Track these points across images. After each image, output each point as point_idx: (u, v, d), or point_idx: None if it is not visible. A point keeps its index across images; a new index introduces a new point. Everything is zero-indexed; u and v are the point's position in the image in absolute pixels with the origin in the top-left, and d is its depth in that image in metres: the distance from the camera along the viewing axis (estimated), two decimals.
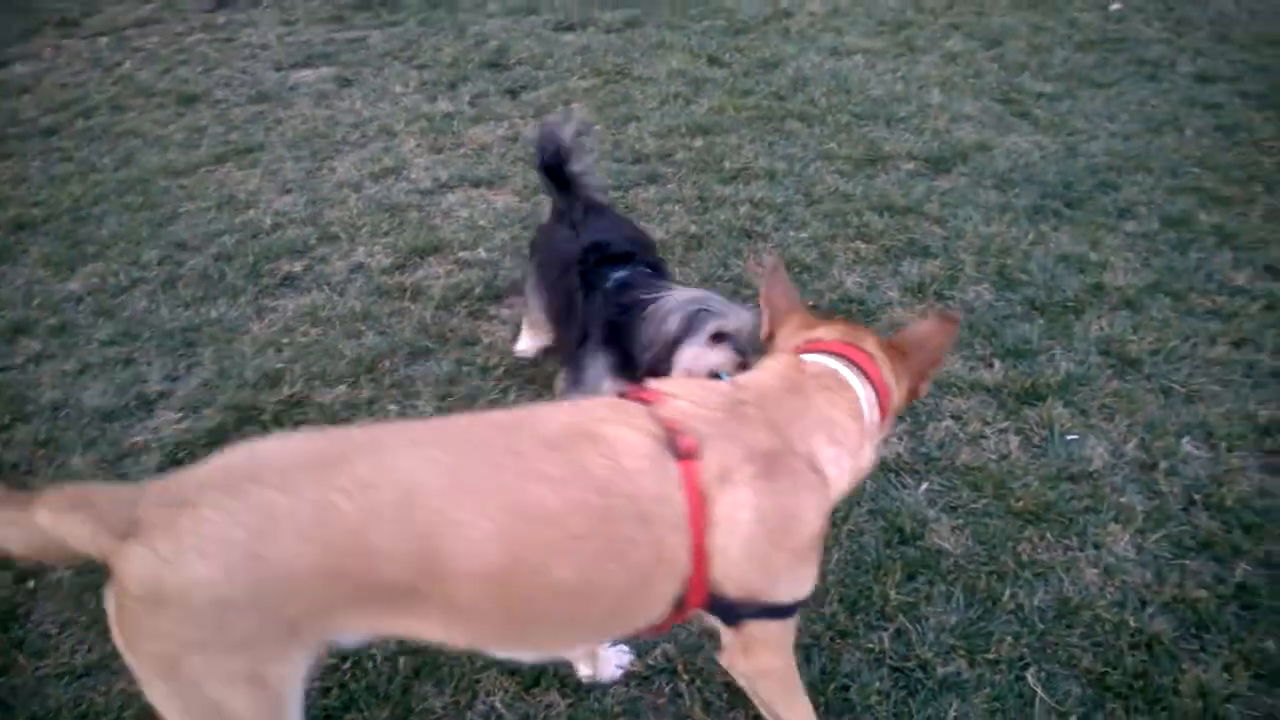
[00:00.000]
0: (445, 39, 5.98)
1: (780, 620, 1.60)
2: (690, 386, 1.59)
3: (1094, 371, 3.07)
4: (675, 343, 2.35)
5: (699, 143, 4.60)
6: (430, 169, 4.44)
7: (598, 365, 2.54)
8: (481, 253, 3.77)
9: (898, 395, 1.71)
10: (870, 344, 1.72)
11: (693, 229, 3.89)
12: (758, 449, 1.48)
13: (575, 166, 2.85)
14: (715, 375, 2.26)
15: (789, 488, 1.50)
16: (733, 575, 1.47)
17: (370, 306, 3.47)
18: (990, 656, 2.17)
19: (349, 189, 4.29)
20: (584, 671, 2.13)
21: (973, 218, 3.97)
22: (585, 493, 1.38)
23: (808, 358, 1.67)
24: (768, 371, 1.66)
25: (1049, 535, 2.48)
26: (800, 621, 1.84)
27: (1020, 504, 2.56)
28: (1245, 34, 6.01)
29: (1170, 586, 2.34)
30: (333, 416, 2.95)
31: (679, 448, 1.44)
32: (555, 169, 2.85)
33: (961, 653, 2.18)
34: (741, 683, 1.75)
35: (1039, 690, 2.10)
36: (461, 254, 3.77)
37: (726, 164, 4.39)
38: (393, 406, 2.98)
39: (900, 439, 2.79)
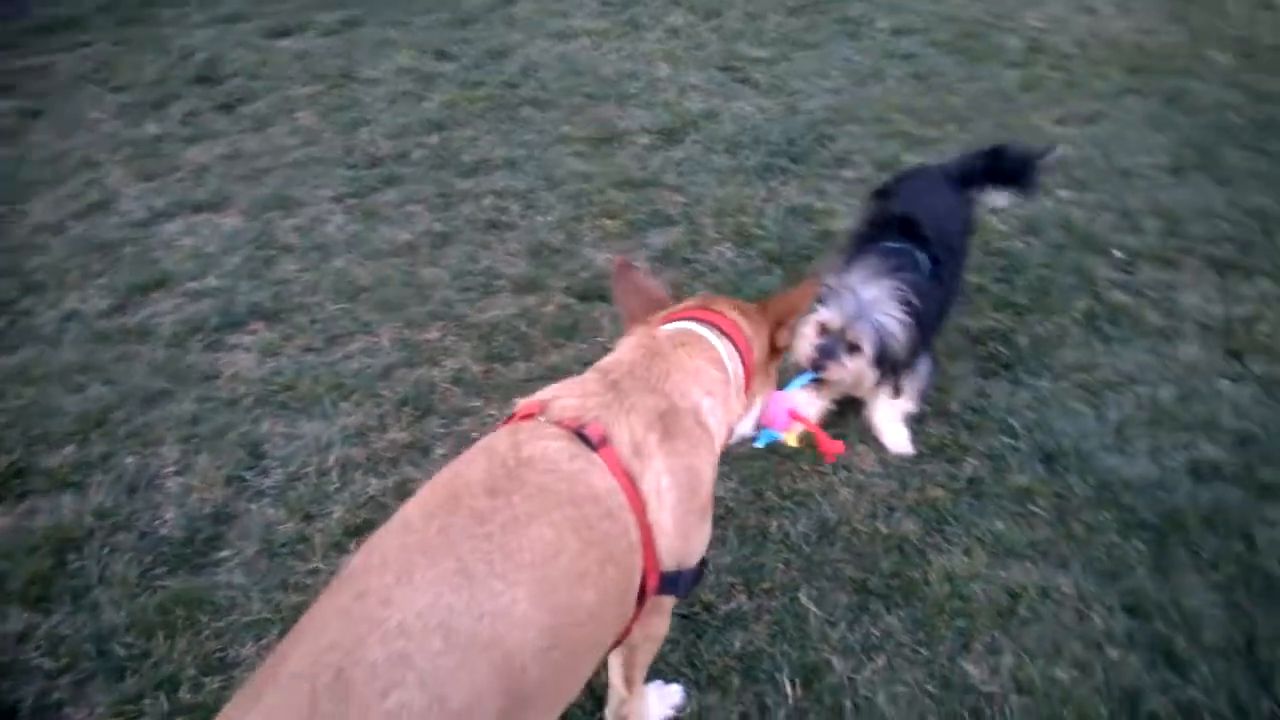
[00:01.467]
0: (146, 56, 5.50)
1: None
2: (561, 386, 1.56)
3: None
4: None
5: (435, 139, 4.51)
6: (143, 198, 4.08)
7: None
8: (212, 281, 3.51)
9: (758, 346, 1.78)
10: (723, 304, 1.79)
11: (438, 227, 3.82)
12: (654, 413, 1.50)
13: None
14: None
15: (688, 446, 1.52)
16: (669, 547, 1.48)
17: (90, 355, 3.16)
18: (766, 586, 2.31)
19: (48, 232, 3.86)
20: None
21: (708, 183, 4.15)
22: (564, 510, 1.34)
23: (662, 328, 1.72)
24: (623, 348, 1.67)
25: (805, 466, 2.65)
26: None
27: None
28: None
29: (912, 491, 2.57)
30: (63, 480, 2.67)
31: (592, 438, 1.43)
32: None
33: (740, 588, 2.30)
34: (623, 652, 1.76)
35: (811, 607, 2.25)
36: (190, 285, 3.49)
37: (465, 157, 4.34)
38: (130, 459, 2.75)
39: None
